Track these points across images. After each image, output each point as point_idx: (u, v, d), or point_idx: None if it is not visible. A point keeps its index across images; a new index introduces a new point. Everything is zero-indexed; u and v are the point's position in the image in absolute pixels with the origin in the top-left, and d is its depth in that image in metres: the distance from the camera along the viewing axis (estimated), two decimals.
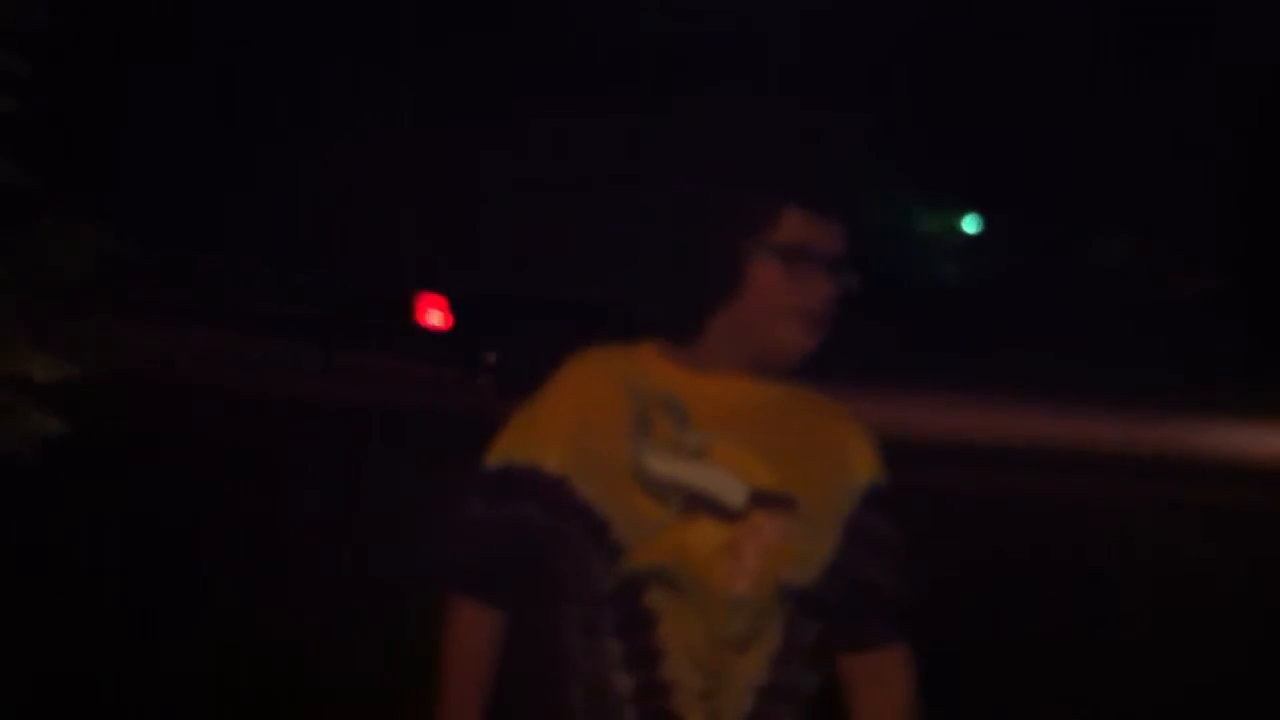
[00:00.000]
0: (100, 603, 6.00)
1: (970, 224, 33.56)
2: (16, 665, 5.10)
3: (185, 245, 17.53)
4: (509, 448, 2.20)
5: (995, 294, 27.35)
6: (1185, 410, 16.95)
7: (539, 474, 2.16)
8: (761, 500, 2.10)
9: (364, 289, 16.61)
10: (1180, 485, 12.04)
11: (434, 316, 15.69)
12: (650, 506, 2.11)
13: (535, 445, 2.17)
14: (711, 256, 2.10)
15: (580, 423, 2.16)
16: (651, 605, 2.10)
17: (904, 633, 2.22)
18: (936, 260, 32.23)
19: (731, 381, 2.15)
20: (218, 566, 6.63)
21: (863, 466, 2.18)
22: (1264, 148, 26.23)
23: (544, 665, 2.18)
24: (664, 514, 2.10)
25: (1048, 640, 6.82)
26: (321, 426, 11.06)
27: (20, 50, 2.65)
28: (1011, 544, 9.09)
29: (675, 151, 2.21)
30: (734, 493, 2.10)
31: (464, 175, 21.48)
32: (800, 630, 2.15)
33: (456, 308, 15.61)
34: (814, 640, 2.17)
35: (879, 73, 26.61)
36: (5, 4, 2.59)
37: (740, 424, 2.13)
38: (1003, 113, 27.93)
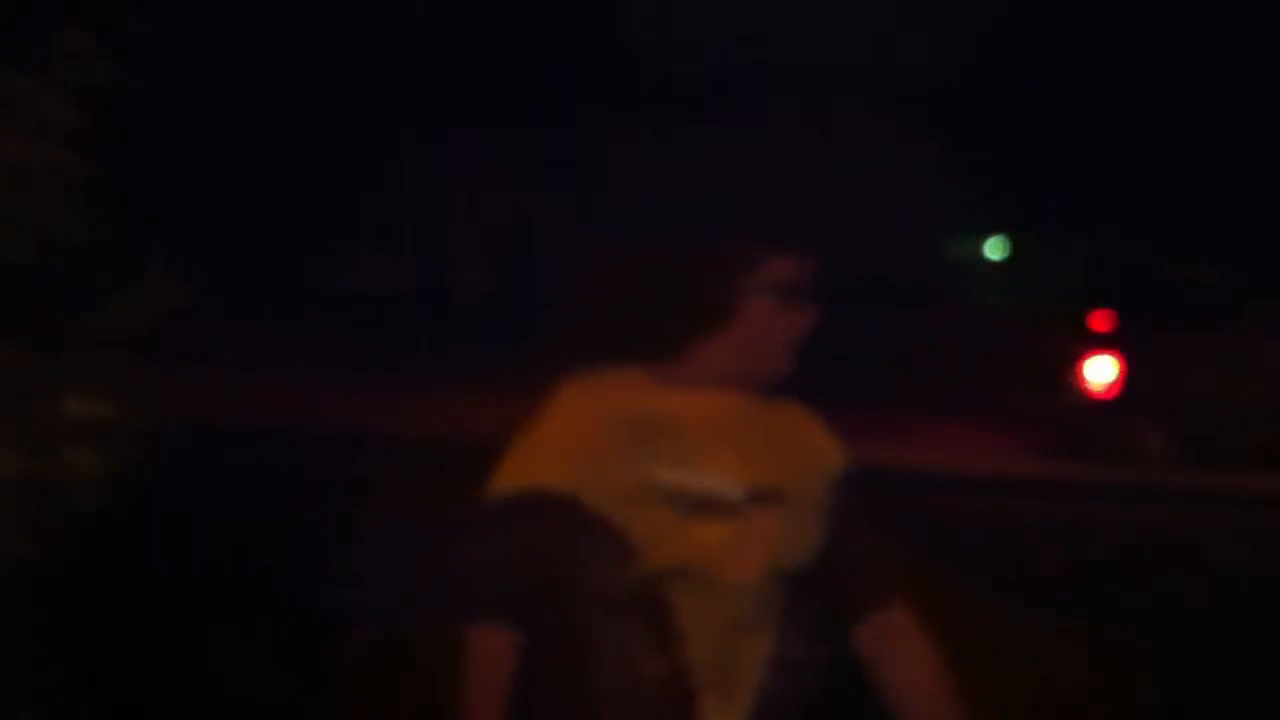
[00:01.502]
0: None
1: (995, 249, 33.45)
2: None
3: None
4: (514, 475, 2.35)
5: None
6: None
7: (546, 494, 2.32)
8: (756, 497, 2.36)
9: None
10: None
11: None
12: (659, 512, 2.32)
13: (540, 468, 2.34)
14: (706, 295, 2.35)
15: (579, 443, 2.34)
16: (668, 599, 2.33)
17: (895, 590, 2.49)
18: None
19: (713, 395, 2.39)
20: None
21: (834, 456, 2.48)
22: None
23: (572, 664, 2.35)
24: (672, 517, 2.32)
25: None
26: None
27: (86, 107, 2.67)
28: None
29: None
30: (732, 492, 2.35)
31: None
32: (800, 606, 2.41)
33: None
34: (814, 614, 2.44)
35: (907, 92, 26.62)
36: (71, 63, 2.61)
37: (727, 431, 2.38)
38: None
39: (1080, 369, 14.15)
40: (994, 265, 37.55)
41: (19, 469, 2.48)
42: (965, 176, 29.71)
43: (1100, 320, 14.51)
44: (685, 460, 2.35)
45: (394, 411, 6.33)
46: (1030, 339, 15.32)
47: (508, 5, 23.76)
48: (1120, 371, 14.01)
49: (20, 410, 2.50)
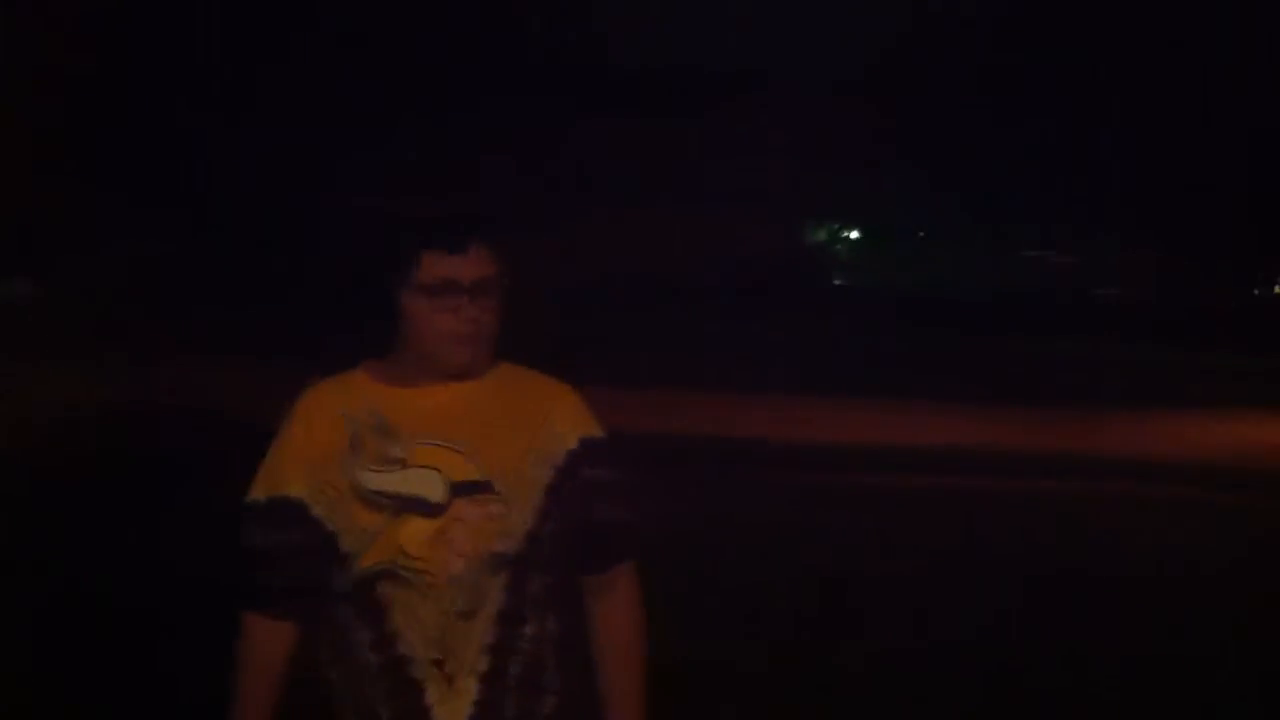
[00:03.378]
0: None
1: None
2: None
3: None
4: (265, 481, 2.56)
5: None
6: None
7: (286, 501, 2.53)
8: (461, 490, 2.48)
9: None
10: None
11: None
12: (368, 515, 2.48)
13: (281, 477, 2.54)
14: (381, 295, 2.52)
15: (310, 449, 2.53)
16: (381, 596, 2.47)
17: (630, 552, 2.66)
18: None
19: (430, 390, 2.54)
20: None
21: (570, 429, 2.58)
22: None
23: (317, 653, 2.58)
24: (380, 520, 2.47)
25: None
26: None
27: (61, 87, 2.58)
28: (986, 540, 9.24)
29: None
30: (434, 490, 2.47)
31: None
32: (522, 588, 2.51)
33: None
34: (540, 591, 2.53)
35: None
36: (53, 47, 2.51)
37: (439, 426, 2.51)
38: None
39: None
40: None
41: None
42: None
43: None
44: (393, 460, 2.49)
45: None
46: None
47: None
48: None
49: None
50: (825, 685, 6.00)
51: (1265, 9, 26.51)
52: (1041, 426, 15.35)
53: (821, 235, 41.51)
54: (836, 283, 39.00)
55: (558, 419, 2.57)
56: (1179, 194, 29.55)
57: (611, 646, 2.64)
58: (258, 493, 2.55)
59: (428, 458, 2.49)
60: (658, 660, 2.69)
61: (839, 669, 6.23)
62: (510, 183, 23.07)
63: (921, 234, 40.70)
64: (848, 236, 42.14)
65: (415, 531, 2.46)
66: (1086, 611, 7.36)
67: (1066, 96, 29.26)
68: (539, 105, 24.52)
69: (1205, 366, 21.05)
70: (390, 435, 2.50)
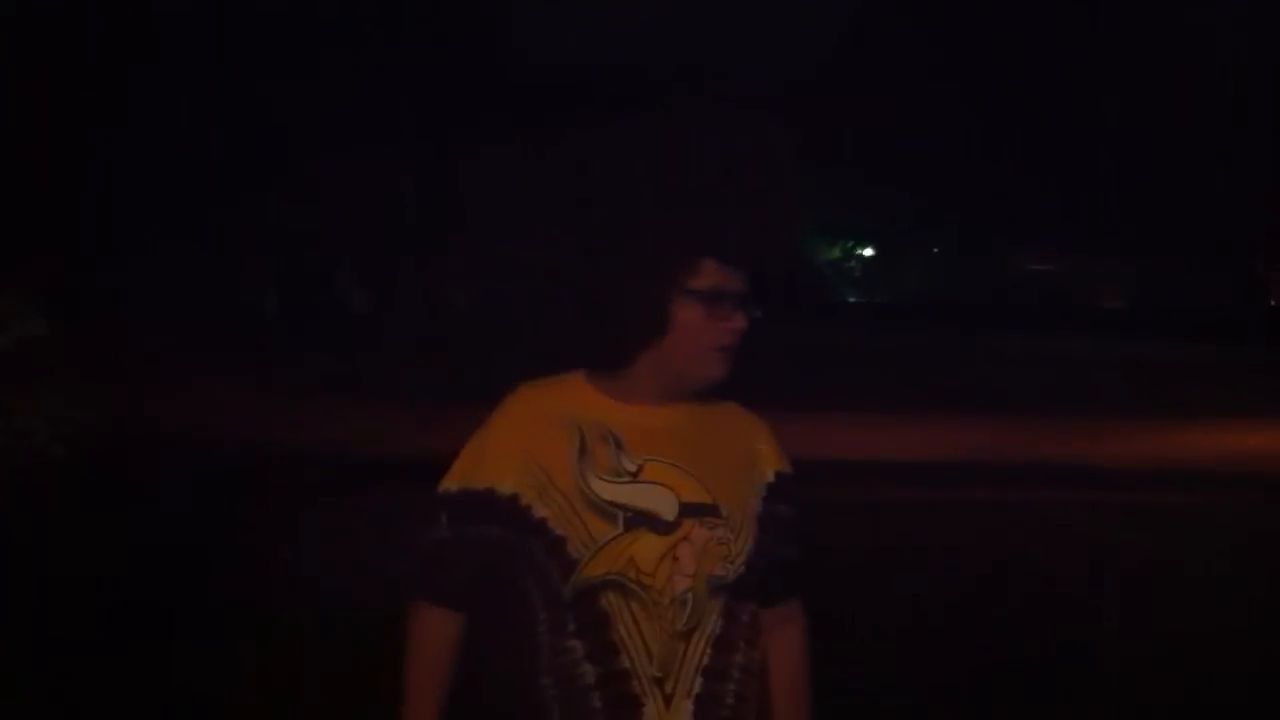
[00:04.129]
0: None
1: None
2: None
3: None
4: (464, 474, 2.49)
5: None
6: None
7: (495, 496, 2.46)
8: (690, 511, 2.46)
9: None
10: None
11: None
12: (598, 524, 2.42)
13: (489, 471, 2.47)
14: (641, 304, 2.41)
15: (525, 450, 2.46)
16: (606, 607, 2.42)
17: (803, 588, 2.65)
18: None
19: (656, 409, 2.49)
20: None
21: (768, 463, 2.58)
22: None
23: (517, 662, 2.47)
24: (611, 530, 2.42)
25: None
26: None
27: None
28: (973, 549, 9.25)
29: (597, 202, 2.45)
30: (668, 507, 2.45)
31: None
32: (736, 614, 2.50)
33: None
34: (750, 620, 2.53)
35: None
36: None
37: (666, 446, 2.48)
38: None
39: None
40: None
41: None
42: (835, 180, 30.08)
43: None
44: (623, 474, 2.45)
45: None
46: None
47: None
48: None
49: None
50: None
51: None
52: (1048, 436, 15.35)
53: (835, 253, 41.53)
54: (850, 300, 39.04)
55: (760, 450, 2.58)
56: (1185, 200, 29.50)
57: (785, 683, 2.62)
58: (451, 484, 2.50)
59: (659, 474, 2.46)
60: None
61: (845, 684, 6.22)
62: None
63: (935, 250, 40.69)
64: (861, 254, 42.16)
65: (647, 547, 2.43)
66: (1093, 619, 7.40)
67: (1064, 106, 29.26)
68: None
69: (1210, 373, 21.04)
70: (621, 447, 2.46)
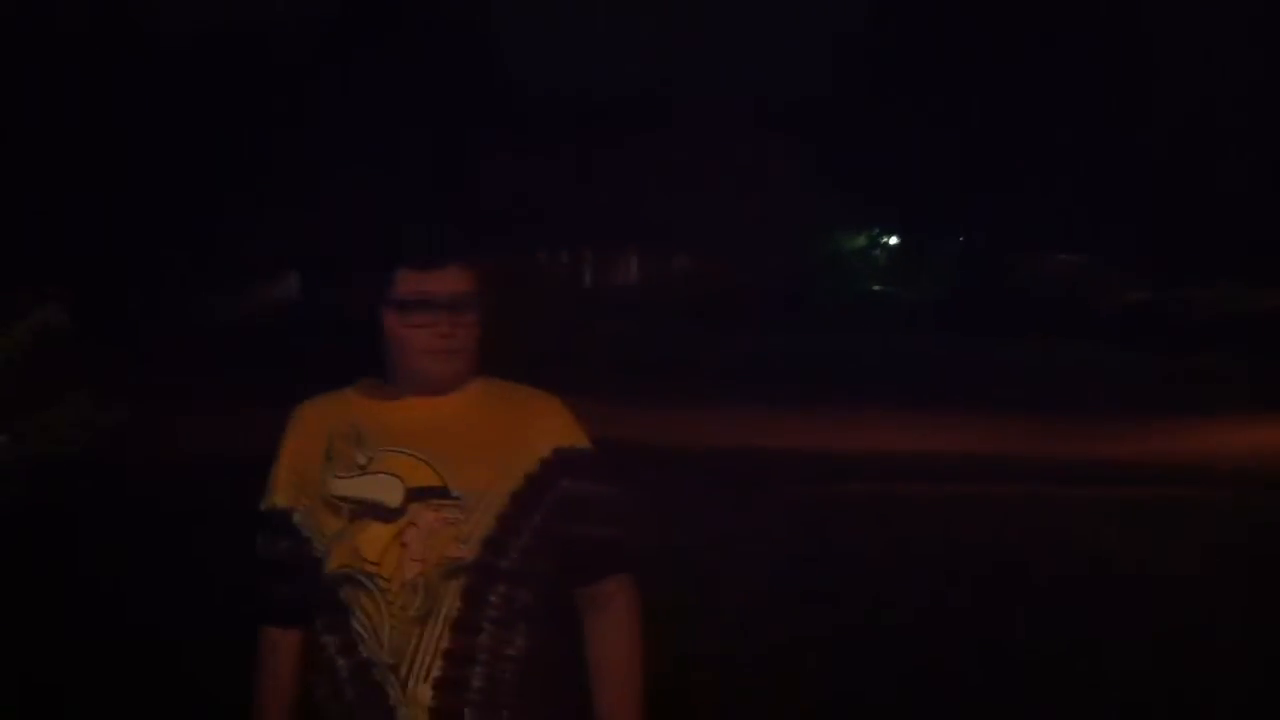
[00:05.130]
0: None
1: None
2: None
3: None
4: (264, 495, 2.65)
5: None
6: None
7: (275, 512, 2.62)
8: (417, 495, 2.52)
9: None
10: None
11: None
12: (329, 519, 2.55)
13: (274, 488, 2.63)
14: (367, 312, 2.59)
15: (292, 463, 2.62)
16: (344, 600, 2.53)
17: (621, 565, 2.64)
18: None
19: (407, 402, 2.59)
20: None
21: (544, 439, 2.59)
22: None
23: (309, 661, 2.62)
24: (338, 523, 2.54)
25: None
26: None
27: None
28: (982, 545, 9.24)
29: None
30: (391, 494, 2.53)
31: None
32: (481, 598, 2.52)
33: None
34: (502, 604, 2.53)
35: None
36: None
37: (402, 437, 2.56)
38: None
39: None
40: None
41: None
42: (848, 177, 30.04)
43: None
44: (355, 467, 2.56)
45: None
46: None
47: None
48: None
49: None
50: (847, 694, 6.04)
51: None
52: (1068, 432, 15.31)
53: (860, 242, 41.34)
54: (875, 289, 38.87)
55: (533, 428, 2.60)
56: (1214, 201, 29.32)
57: (601, 665, 2.63)
58: (262, 505, 2.65)
59: (389, 464, 2.54)
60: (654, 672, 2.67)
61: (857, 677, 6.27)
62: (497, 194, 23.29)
63: (961, 239, 40.48)
64: (886, 242, 41.97)
65: (372, 536, 2.51)
66: (1117, 618, 7.40)
67: (1097, 99, 29.10)
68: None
69: (1238, 371, 20.96)
70: (360, 443, 2.57)
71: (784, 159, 29.76)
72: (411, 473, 2.53)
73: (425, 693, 2.49)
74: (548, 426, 2.61)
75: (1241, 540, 9.72)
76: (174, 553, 7.83)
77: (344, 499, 2.55)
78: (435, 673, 2.49)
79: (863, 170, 31.89)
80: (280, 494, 2.61)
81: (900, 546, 9.26)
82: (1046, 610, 7.46)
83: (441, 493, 2.52)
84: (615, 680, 2.62)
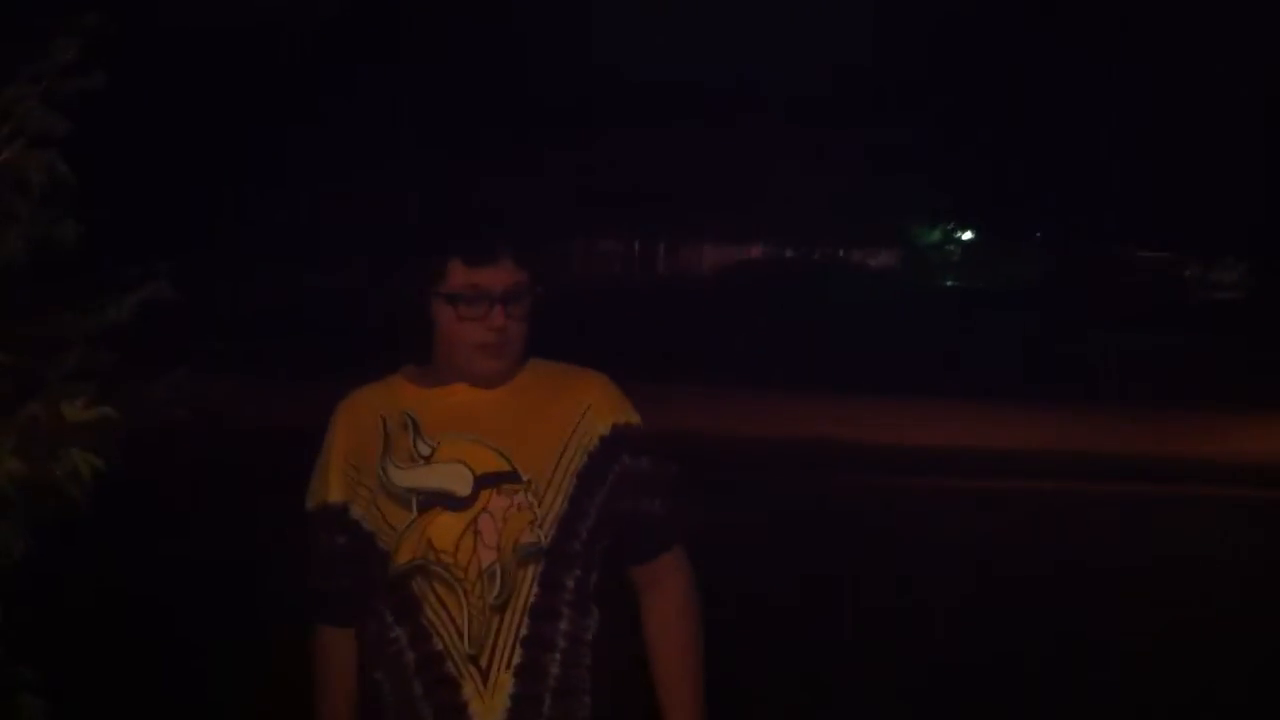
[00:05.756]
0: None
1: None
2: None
3: None
4: (312, 491, 2.61)
5: None
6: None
7: (329, 508, 2.57)
8: (487, 481, 2.49)
9: None
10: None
11: None
12: (396, 512, 2.50)
13: (324, 484, 2.59)
14: (414, 305, 2.55)
15: (345, 456, 2.57)
16: (415, 593, 2.48)
17: (674, 541, 2.62)
18: None
19: (457, 390, 2.55)
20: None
21: (600, 417, 2.56)
22: None
23: (363, 656, 2.59)
24: (407, 516, 2.49)
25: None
26: None
27: (77, 115, 2.71)
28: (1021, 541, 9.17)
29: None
30: (460, 483, 2.49)
31: None
32: (557, 581, 2.50)
33: None
34: (576, 587, 2.51)
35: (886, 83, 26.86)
36: (64, 73, 2.65)
37: (466, 423, 2.52)
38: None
39: None
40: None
41: (17, 471, 2.52)
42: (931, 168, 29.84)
43: None
44: (420, 458, 2.51)
45: None
46: None
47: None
48: None
49: (18, 412, 2.54)
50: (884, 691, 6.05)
51: None
52: (1133, 429, 15.19)
53: (935, 236, 41.14)
54: (949, 284, 38.65)
55: (590, 405, 2.57)
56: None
57: (660, 643, 2.60)
58: (309, 502, 2.61)
59: (454, 452, 2.51)
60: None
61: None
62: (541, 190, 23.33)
63: (1038, 234, 40.17)
64: (960, 238, 41.71)
65: (443, 526, 2.48)
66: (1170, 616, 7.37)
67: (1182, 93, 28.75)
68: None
69: None
70: (418, 432, 2.52)
71: (859, 153, 29.64)
72: (478, 459, 2.51)
73: (507, 681, 2.46)
74: (604, 404, 2.59)
75: None
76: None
77: (412, 490, 2.51)
78: (516, 660, 2.47)
79: (939, 165, 31.67)
80: (335, 489, 2.57)
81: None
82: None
83: (512, 477, 2.50)
84: (674, 658, 2.60)
